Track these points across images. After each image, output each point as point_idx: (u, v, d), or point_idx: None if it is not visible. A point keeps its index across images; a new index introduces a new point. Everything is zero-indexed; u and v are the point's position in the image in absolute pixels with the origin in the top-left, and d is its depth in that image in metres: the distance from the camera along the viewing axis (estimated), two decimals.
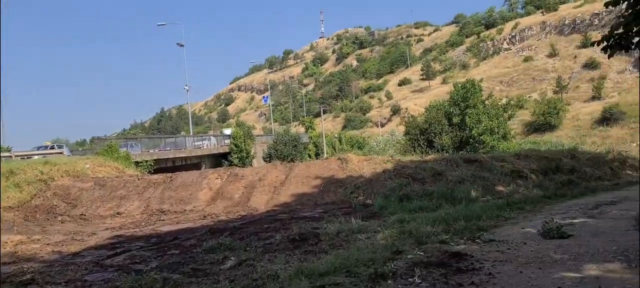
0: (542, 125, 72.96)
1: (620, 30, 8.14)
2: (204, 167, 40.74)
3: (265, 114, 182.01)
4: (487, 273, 6.92)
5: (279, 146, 52.24)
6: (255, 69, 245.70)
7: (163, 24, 49.06)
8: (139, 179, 20.03)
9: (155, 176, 20.81)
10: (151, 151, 35.72)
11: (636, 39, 8.13)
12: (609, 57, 8.45)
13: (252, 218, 14.75)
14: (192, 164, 41.88)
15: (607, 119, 68.07)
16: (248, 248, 10.14)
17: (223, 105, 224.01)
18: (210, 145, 47.30)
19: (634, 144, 54.00)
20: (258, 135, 67.91)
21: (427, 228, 10.65)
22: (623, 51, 8.11)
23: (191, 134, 50.09)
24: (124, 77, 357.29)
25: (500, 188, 16.98)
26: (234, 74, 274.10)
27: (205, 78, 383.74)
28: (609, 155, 22.35)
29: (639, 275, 6.38)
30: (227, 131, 62.39)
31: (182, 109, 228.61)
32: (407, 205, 14.56)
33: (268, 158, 50.93)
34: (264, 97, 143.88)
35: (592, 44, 8.41)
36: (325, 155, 51.12)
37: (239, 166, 39.29)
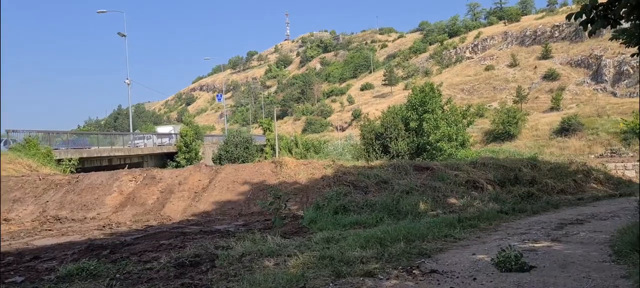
0: (502, 134, 72.27)
1: None
2: (134, 168, 37.72)
3: (226, 115, 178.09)
4: None
5: (229, 147, 49.40)
6: (218, 69, 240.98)
7: (103, 11, 45.67)
8: (40, 179, 17.21)
9: (61, 176, 18.02)
10: (81, 149, 32.57)
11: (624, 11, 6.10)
12: (589, 35, 6.45)
13: (157, 230, 12.25)
14: (132, 164, 38.80)
15: (566, 129, 67.75)
16: (117, 276, 7.70)
17: (184, 105, 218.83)
18: (149, 143, 44.15)
19: (592, 156, 53.38)
20: (208, 136, 64.78)
21: (356, 252, 8.44)
22: (609, 27, 6.06)
23: (131, 131, 46.79)
24: (79, 73, 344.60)
25: (452, 200, 14.91)
26: (197, 74, 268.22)
27: (168, 77, 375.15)
28: (572, 166, 20.65)
29: None
30: (163, 129, 58.95)
31: (140, 106, 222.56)
32: (342, 218, 12.31)
33: (218, 159, 48.10)
34: (217, 95, 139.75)
35: (568, 18, 6.30)
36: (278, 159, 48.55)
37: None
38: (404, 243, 9.36)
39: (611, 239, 9.34)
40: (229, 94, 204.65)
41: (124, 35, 44.40)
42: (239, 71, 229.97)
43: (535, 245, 9.32)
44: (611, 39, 9.11)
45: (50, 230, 13.04)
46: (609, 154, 53.94)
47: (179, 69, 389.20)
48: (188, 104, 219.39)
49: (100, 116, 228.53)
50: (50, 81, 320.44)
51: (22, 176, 18.08)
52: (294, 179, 15.66)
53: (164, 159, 43.42)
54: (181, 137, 46.24)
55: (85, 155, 31.86)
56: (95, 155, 33.27)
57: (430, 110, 36.86)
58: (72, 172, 25.42)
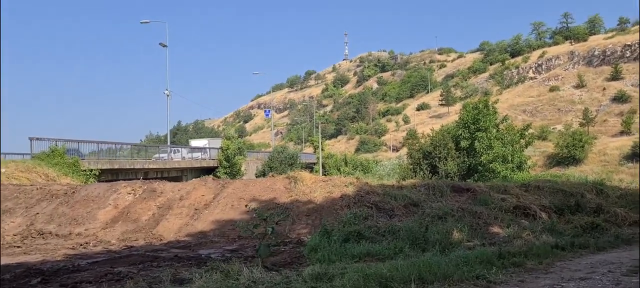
0: (566, 158, 67.54)
1: None
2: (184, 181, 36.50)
3: (281, 133, 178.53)
4: None
5: (274, 163, 47.88)
6: (277, 87, 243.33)
7: (147, 22, 45.26)
8: (37, 189, 15.83)
9: (58, 186, 16.57)
10: (112, 160, 31.59)
11: None
12: None
13: (131, 252, 10.40)
14: (170, 177, 37.68)
15: (638, 155, 62.39)
16: None
17: (242, 122, 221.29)
18: (177, 157, 43.03)
19: None
20: (253, 151, 63.56)
21: None
22: None
23: (169, 144, 46.01)
24: (141, 87, 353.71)
25: (495, 229, 12.30)
26: (256, 92, 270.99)
27: (227, 94, 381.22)
28: None
29: None
30: (198, 142, 57.95)
31: (199, 123, 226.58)
32: (353, 248, 10.01)
33: (261, 175, 46.55)
34: (266, 111, 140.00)
35: None
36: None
37: None
38: (417, 285, 7.03)
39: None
40: (285, 112, 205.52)
41: (165, 46, 43.83)
42: (296, 90, 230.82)
43: None
44: None
45: (19, 247, 11.45)
46: None
47: (238, 86, 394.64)
48: (246, 121, 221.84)
49: (161, 131, 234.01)
50: (114, 95, 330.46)
51: (20, 186, 16.79)
52: (309, 197, 13.52)
53: (204, 174, 42.16)
54: (222, 151, 45.02)
55: (116, 167, 30.84)
56: (127, 167, 32.24)
57: (483, 128, 33.84)
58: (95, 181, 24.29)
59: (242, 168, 46.29)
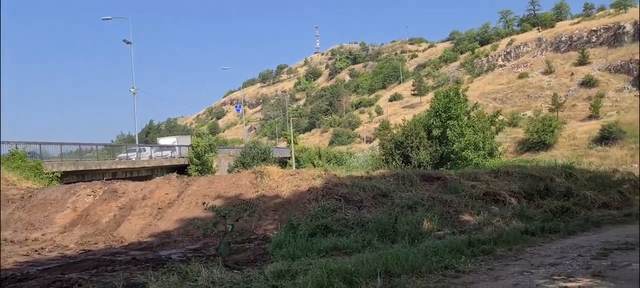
0: (536, 143, 68.34)
1: None
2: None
3: (255, 128, 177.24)
4: None
5: (246, 159, 47.28)
6: (249, 82, 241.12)
7: (109, 18, 43.91)
8: None
9: (14, 191, 15.89)
10: (77, 161, 30.75)
11: None
12: None
13: (87, 256, 9.93)
14: (139, 177, 36.84)
15: (606, 138, 63.63)
16: None
17: (214, 119, 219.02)
18: (144, 156, 42.13)
19: (636, 165, 49.26)
20: (224, 148, 62.85)
21: None
22: None
23: (137, 143, 45.10)
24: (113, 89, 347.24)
25: (466, 217, 12.14)
26: (228, 88, 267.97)
27: (199, 91, 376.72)
28: (616, 175, 17.53)
29: None
30: (166, 140, 57.03)
31: (172, 121, 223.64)
32: (319, 242, 9.70)
33: (234, 171, 45.96)
34: (236, 106, 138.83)
35: None
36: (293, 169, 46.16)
37: None
38: (383, 279, 6.75)
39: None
40: (258, 108, 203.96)
41: (130, 43, 42.75)
42: (268, 85, 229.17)
43: (570, 284, 6.55)
44: None
45: None
46: None
47: (210, 83, 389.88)
48: (218, 118, 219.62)
49: (132, 131, 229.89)
50: (86, 96, 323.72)
51: None
52: (276, 192, 13.17)
53: (174, 172, 41.42)
54: (192, 148, 44.33)
55: (82, 168, 29.98)
56: (94, 168, 31.35)
57: (454, 116, 33.85)
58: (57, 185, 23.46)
59: (214, 165, 45.66)
